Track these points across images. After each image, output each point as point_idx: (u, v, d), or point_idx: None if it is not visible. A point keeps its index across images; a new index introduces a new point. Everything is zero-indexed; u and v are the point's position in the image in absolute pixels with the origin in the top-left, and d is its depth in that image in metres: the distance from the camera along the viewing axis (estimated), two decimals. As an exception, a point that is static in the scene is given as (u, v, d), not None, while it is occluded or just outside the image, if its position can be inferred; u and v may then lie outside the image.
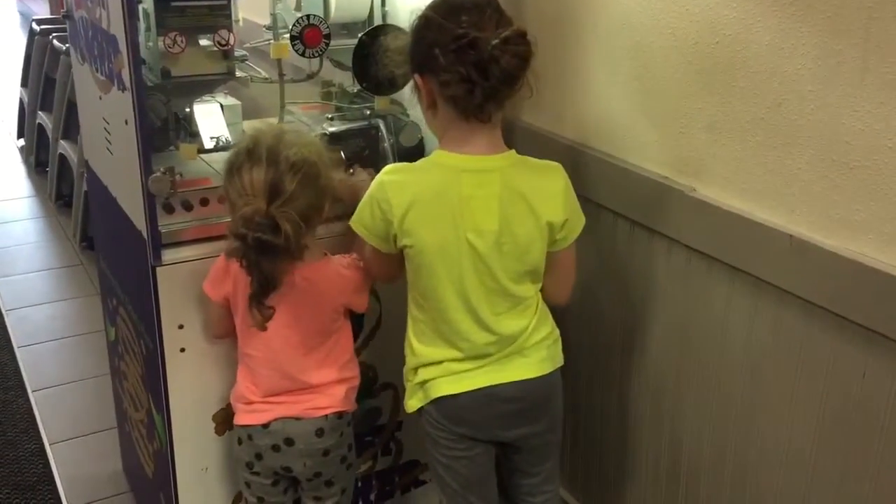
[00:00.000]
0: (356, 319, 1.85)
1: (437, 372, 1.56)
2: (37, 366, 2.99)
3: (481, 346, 1.54)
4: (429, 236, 1.48)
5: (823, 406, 1.43)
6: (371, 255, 1.60)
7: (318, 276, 1.60)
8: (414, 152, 1.92)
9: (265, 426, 1.63)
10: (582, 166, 1.81)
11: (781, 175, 1.44)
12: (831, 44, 1.32)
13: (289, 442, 1.62)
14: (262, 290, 1.50)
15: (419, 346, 1.58)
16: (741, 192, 1.52)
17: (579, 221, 1.56)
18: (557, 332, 1.63)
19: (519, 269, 1.52)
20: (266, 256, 1.46)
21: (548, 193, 1.51)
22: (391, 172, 1.52)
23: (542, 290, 1.60)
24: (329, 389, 1.66)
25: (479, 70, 1.38)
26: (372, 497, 2.07)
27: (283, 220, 1.44)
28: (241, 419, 1.66)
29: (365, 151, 1.88)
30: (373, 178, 1.76)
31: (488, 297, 1.52)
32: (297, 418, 1.63)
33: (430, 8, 1.47)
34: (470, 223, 1.47)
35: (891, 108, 1.26)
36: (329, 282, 1.62)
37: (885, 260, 1.30)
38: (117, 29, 1.55)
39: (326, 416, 1.64)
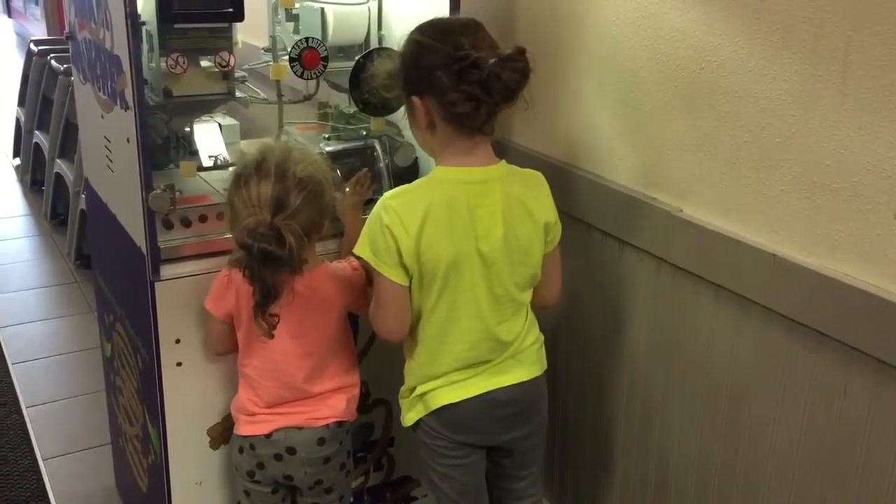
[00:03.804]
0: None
1: (438, 383, 1.60)
2: (31, 382, 3.01)
3: (484, 353, 1.58)
4: (444, 250, 1.50)
5: (806, 422, 1.46)
6: (386, 293, 1.55)
7: (317, 282, 1.63)
8: (408, 172, 1.96)
9: (268, 436, 1.66)
10: (572, 186, 1.85)
11: (765, 196, 1.49)
12: (812, 69, 1.37)
13: (291, 451, 1.65)
14: (265, 301, 1.52)
15: (420, 367, 1.61)
16: (726, 213, 1.57)
17: (560, 223, 1.64)
18: (542, 336, 1.68)
19: (525, 273, 1.58)
20: (268, 267, 1.48)
21: (540, 197, 1.59)
22: (394, 196, 1.53)
23: (538, 290, 1.65)
24: (330, 398, 1.69)
25: (483, 88, 1.43)
26: (364, 512, 2.09)
27: (287, 232, 1.47)
28: (242, 430, 1.68)
29: (361, 170, 1.91)
30: (362, 199, 1.79)
31: (496, 305, 1.56)
32: (299, 428, 1.66)
33: (420, 32, 1.52)
34: (480, 232, 1.51)
35: (869, 131, 1.30)
36: (329, 286, 1.65)
37: (864, 278, 1.34)
38: (121, 49, 1.59)
39: (328, 425, 1.67)
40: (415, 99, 1.52)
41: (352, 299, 1.69)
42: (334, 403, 1.69)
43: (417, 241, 1.49)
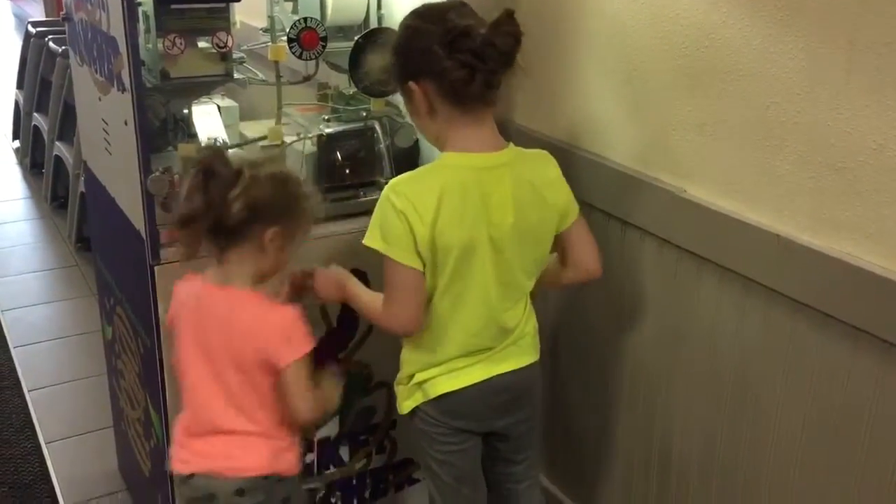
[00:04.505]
0: (351, 321, 1.87)
1: (438, 370, 1.58)
2: (33, 366, 3.01)
3: (488, 340, 1.57)
4: (457, 238, 1.47)
5: (811, 403, 1.45)
6: (402, 282, 1.49)
7: (238, 304, 1.47)
8: (409, 153, 1.94)
9: (189, 477, 1.53)
10: (575, 167, 1.83)
11: (769, 176, 1.47)
12: (817, 48, 1.35)
13: (210, 498, 1.52)
14: (187, 216, 1.42)
15: (421, 355, 1.59)
16: (730, 193, 1.55)
17: (573, 196, 1.61)
18: (537, 325, 1.67)
19: (535, 258, 1.57)
20: (211, 180, 1.39)
21: (550, 180, 1.57)
22: (405, 183, 1.48)
23: (576, 269, 1.63)
24: (248, 445, 1.52)
25: (476, 55, 1.42)
26: (366, 495, 2.09)
27: (245, 176, 1.40)
28: (171, 462, 1.57)
29: (361, 153, 1.90)
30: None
31: (503, 292, 1.55)
32: (217, 475, 1.50)
33: (411, 18, 1.51)
34: (492, 219, 1.49)
35: (874, 110, 1.28)
36: (248, 315, 1.47)
37: (869, 259, 1.33)
38: (117, 31, 1.58)
39: (247, 477, 1.51)
40: (411, 84, 1.49)
41: (266, 346, 1.45)
42: (254, 454, 1.51)
43: (432, 230, 1.45)
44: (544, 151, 1.61)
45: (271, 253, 1.47)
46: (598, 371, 1.97)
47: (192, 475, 1.53)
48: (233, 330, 1.47)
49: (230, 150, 1.87)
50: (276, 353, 1.46)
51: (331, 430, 1.98)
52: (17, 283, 3.66)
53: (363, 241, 1.50)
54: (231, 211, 1.40)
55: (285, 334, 1.47)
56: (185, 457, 1.54)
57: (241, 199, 1.40)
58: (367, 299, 1.60)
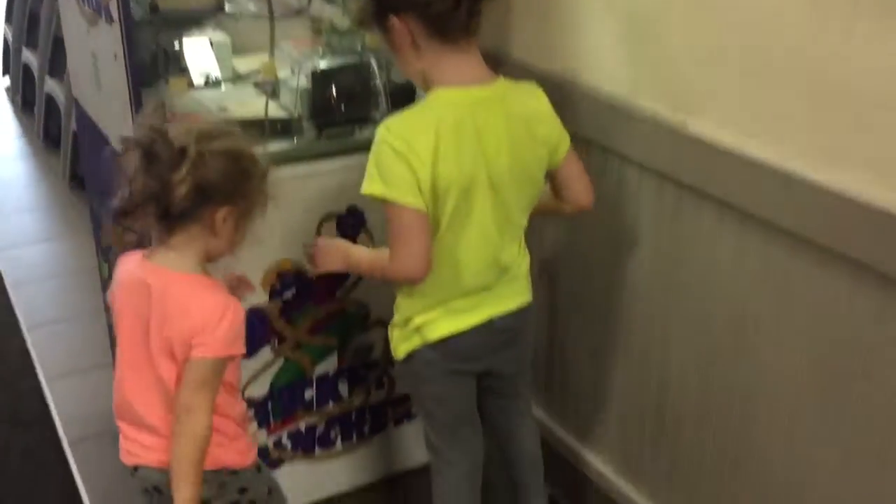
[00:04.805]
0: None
1: (438, 312, 1.56)
2: (30, 304, 3.01)
3: (488, 280, 1.56)
4: (456, 177, 1.44)
5: (810, 340, 1.45)
6: (407, 225, 1.45)
7: (171, 288, 1.37)
8: (405, 89, 1.91)
9: (135, 469, 1.48)
10: (571, 102, 1.80)
11: (771, 109, 1.44)
12: (824, -24, 1.31)
13: (157, 490, 1.47)
14: (124, 206, 1.34)
15: (420, 297, 1.56)
16: (732, 127, 1.52)
17: (564, 129, 1.59)
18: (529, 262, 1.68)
19: (527, 194, 1.55)
20: (152, 164, 1.29)
21: (541, 114, 1.55)
22: (399, 123, 1.44)
23: (570, 203, 1.63)
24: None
25: None
26: (365, 430, 2.11)
27: (191, 154, 1.29)
28: (120, 451, 1.51)
29: (356, 88, 1.87)
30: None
31: (501, 229, 1.54)
32: (159, 469, 1.43)
33: None
34: (488, 158, 1.47)
35: (880, 43, 1.25)
36: (177, 298, 1.37)
37: (870, 193, 1.31)
38: (104, -40, 1.54)
39: None
40: (392, 18, 1.44)
41: (176, 333, 1.35)
42: None
43: (433, 171, 1.42)
44: (533, 84, 1.58)
45: (224, 233, 1.38)
46: (596, 307, 1.96)
47: (137, 467, 1.47)
48: (165, 313, 1.36)
49: (222, 86, 1.84)
50: (195, 338, 1.34)
51: (329, 366, 1.99)
52: (12, 222, 3.64)
53: (362, 191, 1.46)
54: (175, 195, 1.29)
55: (213, 321, 1.35)
56: (130, 447, 1.48)
57: (186, 181, 1.29)
58: (371, 256, 1.59)
